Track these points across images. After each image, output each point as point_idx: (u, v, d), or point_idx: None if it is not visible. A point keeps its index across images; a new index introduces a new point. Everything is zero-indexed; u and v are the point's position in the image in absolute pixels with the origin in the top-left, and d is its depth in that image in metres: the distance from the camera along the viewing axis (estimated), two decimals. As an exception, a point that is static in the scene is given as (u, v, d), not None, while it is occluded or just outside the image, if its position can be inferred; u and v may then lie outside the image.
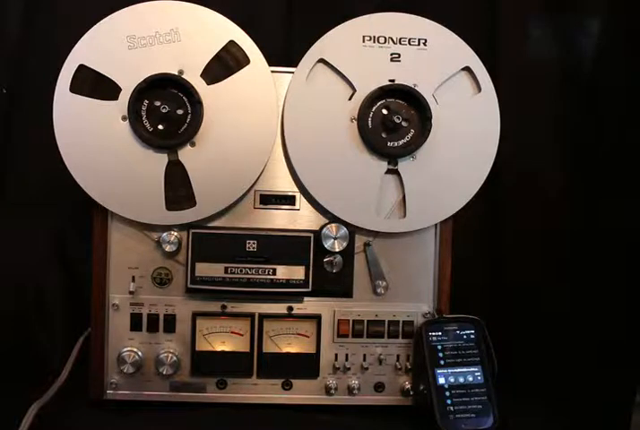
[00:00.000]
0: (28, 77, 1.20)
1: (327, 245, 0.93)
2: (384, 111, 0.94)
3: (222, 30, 0.92)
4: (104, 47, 0.90)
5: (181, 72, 0.91)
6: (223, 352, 0.96)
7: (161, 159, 0.91)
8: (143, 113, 0.91)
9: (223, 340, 0.96)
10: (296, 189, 0.96)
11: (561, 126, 1.23)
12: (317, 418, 0.95)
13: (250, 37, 0.93)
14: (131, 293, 0.94)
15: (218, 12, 0.93)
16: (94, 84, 0.90)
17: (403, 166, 0.95)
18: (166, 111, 0.89)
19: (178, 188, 0.92)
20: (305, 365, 0.97)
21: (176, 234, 0.93)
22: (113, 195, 0.91)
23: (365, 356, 0.98)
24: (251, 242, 0.93)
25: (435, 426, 0.91)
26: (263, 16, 1.23)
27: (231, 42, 0.92)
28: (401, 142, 0.95)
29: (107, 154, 0.91)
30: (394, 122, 0.93)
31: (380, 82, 0.93)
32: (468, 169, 0.96)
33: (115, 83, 0.90)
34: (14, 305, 1.17)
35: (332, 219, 0.95)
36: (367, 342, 0.98)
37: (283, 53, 1.20)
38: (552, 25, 1.24)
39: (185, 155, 0.92)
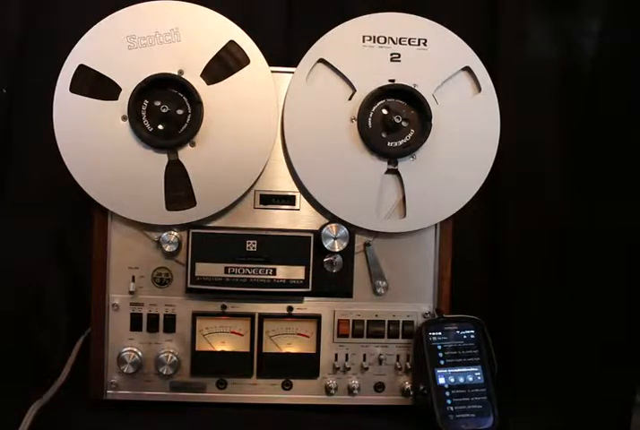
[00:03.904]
0: (28, 77, 1.20)
1: (327, 245, 0.93)
2: (384, 111, 0.94)
3: (222, 30, 0.92)
4: (104, 47, 0.90)
5: (181, 72, 0.91)
6: (223, 352, 0.96)
7: (161, 159, 0.91)
8: (143, 113, 0.91)
9: (223, 340, 0.96)
10: (296, 189, 0.96)
11: (561, 127, 1.23)
12: (317, 418, 0.94)
13: (250, 37, 0.92)
14: (131, 293, 0.94)
15: (218, 12, 0.92)
16: (94, 84, 0.90)
17: (403, 166, 0.95)
18: (166, 111, 0.89)
19: (178, 188, 0.92)
20: (305, 365, 0.97)
21: (176, 234, 0.93)
22: (113, 195, 0.91)
23: (365, 356, 0.98)
24: (251, 242, 0.93)
25: (435, 426, 0.91)
26: (263, 16, 1.23)
27: (231, 42, 0.92)
28: (401, 142, 0.95)
29: (107, 154, 0.91)
30: (394, 122, 0.92)
31: (380, 82, 0.93)
32: (468, 169, 0.96)
33: (115, 83, 0.90)
34: (14, 305, 1.17)
35: (332, 219, 0.95)
36: (367, 342, 0.98)
37: (283, 53, 1.20)
38: (552, 25, 1.24)
39: (185, 155, 0.92)
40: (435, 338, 0.96)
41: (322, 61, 0.94)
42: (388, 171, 0.95)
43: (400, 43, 0.94)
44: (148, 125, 0.91)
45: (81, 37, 0.90)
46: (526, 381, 1.05)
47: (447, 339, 0.96)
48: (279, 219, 0.96)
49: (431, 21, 0.96)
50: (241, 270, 0.93)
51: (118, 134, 0.90)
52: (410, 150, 0.94)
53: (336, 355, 0.98)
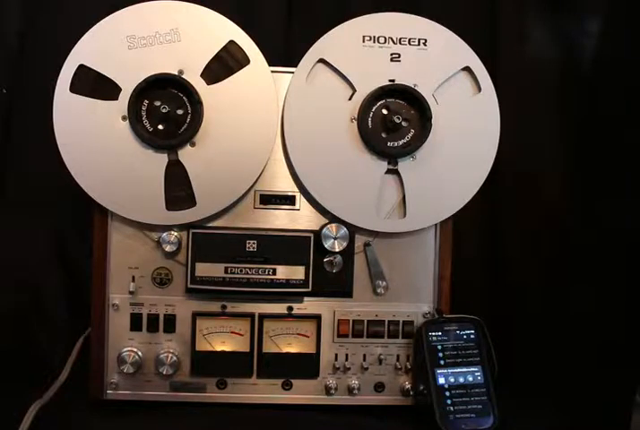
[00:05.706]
0: (28, 77, 1.20)
1: (327, 245, 0.93)
2: (384, 111, 0.94)
3: (222, 30, 0.92)
4: (104, 47, 0.90)
5: (181, 72, 0.91)
6: (223, 352, 0.96)
7: (161, 159, 0.91)
8: (143, 113, 0.91)
9: (223, 340, 0.96)
10: (296, 189, 0.96)
11: (561, 126, 1.23)
12: (317, 418, 0.94)
13: (250, 37, 0.92)
14: (131, 293, 0.94)
15: (218, 12, 0.93)
16: (94, 84, 0.90)
17: (403, 166, 0.95)
18: (166, 111, 0.89)
19: (178, 188, 0.92)
20: (305, 365, 0.97)
21: (176, 234, 0.93)
22: (113, 195, 0.91)
23: (365, 356, 0.98)
24: (251, 242, 0.93)
25: (435, 426, 0.90)
26: (264, 16, 1.23)
27: (231, 42, 0.92)
28: (401, 142, 0.95)
29: (107, 154, 0.91)
30: (394, 122, 0.93)
31: (380, 82, 0.93)
32: (468, 169, 0.96)
33: (115, 83, 0.90)
34: (14, 305, 1.17)
35: (332, 219, 0.95)
36: (367, 342, 0.98)
37: (283, 53, 1.21)
38: (552, 25, 1.24)
39: (186, 155, 0.92)
40: (435, 338, 0.96)
41: (322, 61, 0.94)
42: (388, 171, 0.95)
43: (400, 43, 0.94)
44: (148, 125, 0.91)
45: (81, 37, 0.90)
46: (526, 380, 1.05)
47: (447, 339, 0.96)
48: (279, 219, 0.96)
49: (431, 20, 0.96)
50: (241, 270, 0.93)
51: (118, 134, 0.90)
52: (410, 150, 0.94)
53: (336, 355, 0.98)
